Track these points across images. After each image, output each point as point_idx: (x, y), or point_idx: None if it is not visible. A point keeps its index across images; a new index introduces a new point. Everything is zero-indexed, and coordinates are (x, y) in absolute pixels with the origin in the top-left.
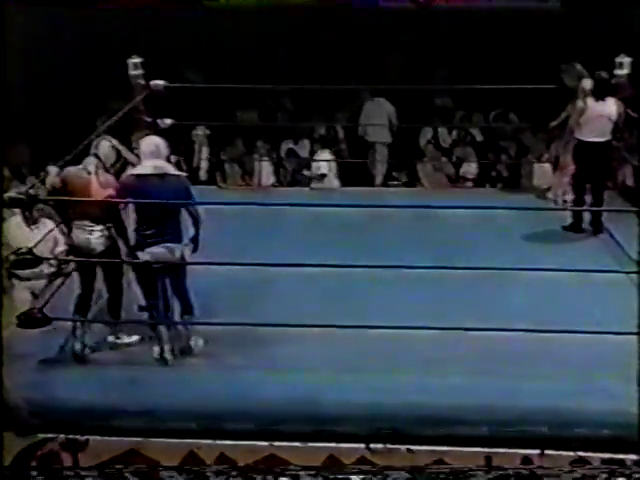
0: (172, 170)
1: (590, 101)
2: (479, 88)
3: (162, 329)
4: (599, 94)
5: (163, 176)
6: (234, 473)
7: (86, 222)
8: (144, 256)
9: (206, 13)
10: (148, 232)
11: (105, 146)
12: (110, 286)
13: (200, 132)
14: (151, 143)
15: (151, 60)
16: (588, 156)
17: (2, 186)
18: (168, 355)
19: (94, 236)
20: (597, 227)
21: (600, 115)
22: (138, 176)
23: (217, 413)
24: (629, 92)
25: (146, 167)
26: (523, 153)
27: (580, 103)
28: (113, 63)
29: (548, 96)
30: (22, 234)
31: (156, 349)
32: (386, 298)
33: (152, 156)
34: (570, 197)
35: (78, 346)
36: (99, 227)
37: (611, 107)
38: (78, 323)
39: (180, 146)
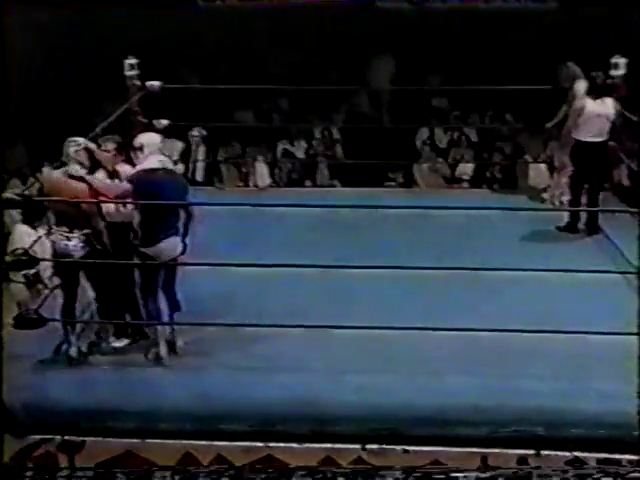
0: (171, 165)
1: (588, 101)
2: (475, 89)
3: (159, 329)
4: (596, 94)
5: (168, 171)
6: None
7: (64, 228)
8: (154, 251)
9: (201, 13)
10: (157, 227)
11: (75, 149)
12: (99, 292)
13: (196, 133)
14: (151, 139)
15: (147, 61)
16: (586, 156)
17: (2, 186)
18: (164, 354)
19: (72, 242)
20: (593, 228)
21: (598, 115)
22: (148, 171)
23: (213, 414)
24: (624, 93)
25: (152, 162)
26: (519, 154)
27: (578, 103)
28: (109, 64)
29: (544, 97)
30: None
31: (153, 349)
32: (382, 299)
33: (154, 152)
34: (567, 198)
35: (74, 352)
36: (77, 233)
37: (609, 107)
38: (69, 329)
39: (176, 147)
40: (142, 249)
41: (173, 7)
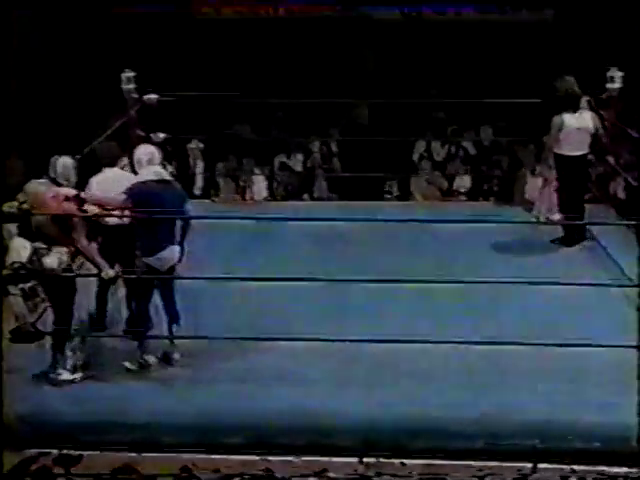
0: (168, 176)
1: (567, 116)
2: (471, 102)
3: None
4: (572, 108)
5: (164, 181)
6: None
7: (41, 244)
8: (154, 261)
9: (197, 25)
10: (155, 237)
11: (61, 166)
12: (58, 311)
13: (194, 146)
14: (146, 151)
15: (143, 73)
16: (568, 170)
17: (2, 193)
18: (153, 362)
19: (50, 259)
20: (581, 236)
21: (578, 129)
22: (143, 183)
23: (211, 427)
24: (620, 106)
25: (148, 174)
26: (516, 167)
27: (557, 119)
28: (106, 77)
29: (541, 109)
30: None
31: (142, 356)
32: (379, 312)
33: (149, 163)
34: (554, 214)
35: (66, 375)
36: (54, 250)
37: (588, 120)
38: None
39: (173, 160)
40: (143, 259)
41: (170, 19)
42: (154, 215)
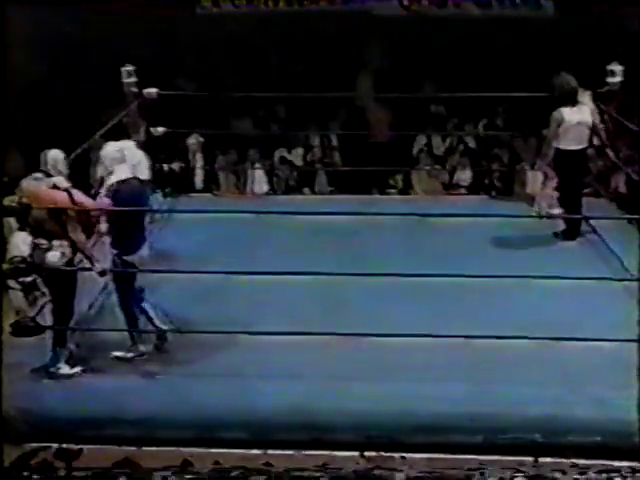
0: (136, 172)
1: (565, 110)
2: (472, 96)
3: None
4: (571, 103)
5: (137, 179)
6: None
7: (41, 240)
8: (135, 258)
9: (198, 20)
10: (136, 235)
11: (51, 158)
12: (59, 305)
13: (193, 140)
14: (117, 149)
15: (144, 68)
16: (567, 164)
17: (2, 190)
18: (144, 349)
19: (50, 254)
20: (575, 231)
21: (578, 123)
22: (124, 182)
23: (211, 421)
24: (621, 100)
25: (123, 172)
26: (516, 161)
27: (557, 114)
28: (106, 71)
29: (541, 104)
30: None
31: (136, 346)
32: (381, 306)
33: (121, 161)
34: (554, 208)
35: (66, 369)
36: (57, 244)
37: (587, 115)
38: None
39: (173, 154)
40: (124, 257)
41: (171, 14)
42: (134, 214)
